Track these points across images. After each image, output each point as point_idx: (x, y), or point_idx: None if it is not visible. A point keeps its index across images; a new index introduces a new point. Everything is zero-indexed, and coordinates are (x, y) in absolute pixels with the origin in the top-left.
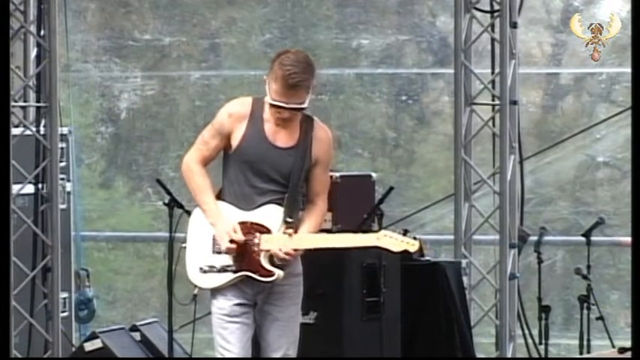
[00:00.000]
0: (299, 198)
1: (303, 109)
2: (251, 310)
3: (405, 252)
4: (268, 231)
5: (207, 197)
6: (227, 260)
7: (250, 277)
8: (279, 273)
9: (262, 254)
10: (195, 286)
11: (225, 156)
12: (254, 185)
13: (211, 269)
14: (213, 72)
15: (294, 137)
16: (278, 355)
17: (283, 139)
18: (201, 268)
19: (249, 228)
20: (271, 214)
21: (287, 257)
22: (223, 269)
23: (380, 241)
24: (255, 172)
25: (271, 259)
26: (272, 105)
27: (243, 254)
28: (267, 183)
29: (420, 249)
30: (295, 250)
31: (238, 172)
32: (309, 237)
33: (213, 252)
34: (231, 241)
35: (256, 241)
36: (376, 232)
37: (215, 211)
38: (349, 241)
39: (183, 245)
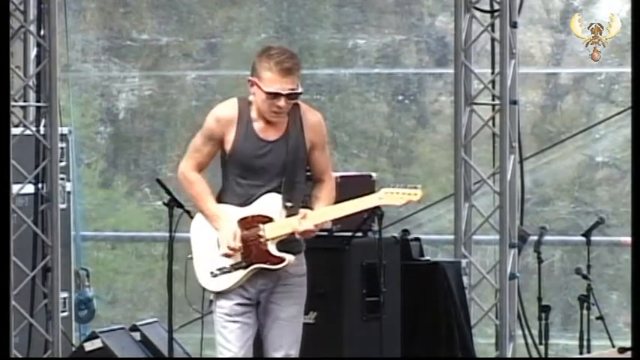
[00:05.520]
0: (297, 185)
1: (299, 94)
2: (253, 310)
3: (409, 202)
4: (270, 220)
5: (208, 203)
6: (237, 258)
7: (262, 268)
8: (289, 258)
9: (269, 243)
10: (206, 290)
11: (222, 159)
12: (254, 184)
13: (222, 271)
14: (211, 72)
15: (284, 128)
16: (279, 354)
17: (274, 132)
18: (212, 273)
19: (251, 222)
20: (270, 203)
21: (307, 235)
22: (234, 268)
23: (382, 200)
24: (254, 170)
25: (279, 245)
26: (269, 94)
27: (251, 248)
28: (266, 179)
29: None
30: (315, 225)
31: (237, 174)
32: (316, 213)
33: (221, 254)
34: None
35: (261, 232)
36: (376, 192)
37: (216, 215)
38: (354, 207)
39: (190, 257)
